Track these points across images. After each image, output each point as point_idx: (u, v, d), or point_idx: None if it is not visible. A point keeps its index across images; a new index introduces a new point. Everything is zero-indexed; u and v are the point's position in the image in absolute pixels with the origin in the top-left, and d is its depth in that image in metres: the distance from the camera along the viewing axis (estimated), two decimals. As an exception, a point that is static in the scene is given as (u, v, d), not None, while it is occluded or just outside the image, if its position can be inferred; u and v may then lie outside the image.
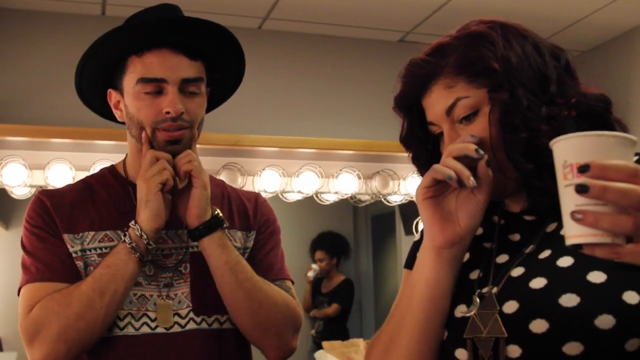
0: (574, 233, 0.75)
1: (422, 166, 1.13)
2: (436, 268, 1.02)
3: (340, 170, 3.22)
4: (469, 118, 1.01)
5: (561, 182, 0.77)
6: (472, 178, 0.95)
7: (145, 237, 1.35)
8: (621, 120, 1.04)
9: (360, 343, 3.11)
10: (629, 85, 3.30)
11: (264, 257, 1.54)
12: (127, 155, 1.54)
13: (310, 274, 3.48)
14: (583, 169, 0.72)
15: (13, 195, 2.83)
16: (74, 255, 1.39)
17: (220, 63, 1.49)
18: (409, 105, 1.09)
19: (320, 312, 3.49)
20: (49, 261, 1.37)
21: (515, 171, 0.99)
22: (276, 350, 1.47)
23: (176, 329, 1.40)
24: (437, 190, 1.01)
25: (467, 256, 1.08)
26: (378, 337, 1.11)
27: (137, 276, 1.38)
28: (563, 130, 0.96)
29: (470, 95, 1.00)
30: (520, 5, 2.97)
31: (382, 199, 3.33)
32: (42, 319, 1.30)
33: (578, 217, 0.73)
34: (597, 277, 0.90)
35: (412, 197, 3.31)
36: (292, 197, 3.20)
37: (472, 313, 1.00)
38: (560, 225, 0.98)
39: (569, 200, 0.75)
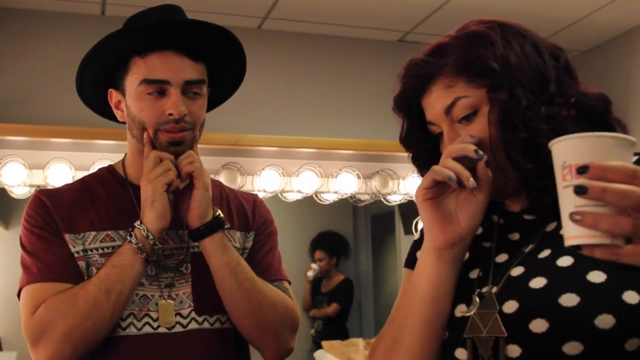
0: (573, 234, 0.75)
1: (422, 166, 1.13)
2: (437, 269, 1.02)
3: (340, 170, 3.22)
4: (468, 118, 1.01)
5: (560, 183, 0.77)
6: (471, 179, 0.96)
7: (151, 237, 1.36)
8: (621, 119, 1.04)
9: (360, 343, 3.11)
10: (629, 85, 3.30)
11: (262, 258, 1.55)
12: (126, 155, 1.54)
13: (310, 274, 3.49)
14: (582, 170, 0.72)
15: (13, 195, 2.83)
16: (75, 255, 1.39)
17: (221, 64, 1.49)
18: (409, 105, 1.09)
19: (319, 311, 3.49)
20: (50, 261, 1.37)
21: (514, 171, 0.99)
22: (274, 350, 1.48)
23: (178, 329, 1.41)
24: (437, 191, 1.01)
25: (466, 255, 1.08)
26: (380, 339, 1.11)
27: (142, 276, 1.38)
28: (562, 129, 0.96)
29: (470, 95, 1.00)
30: (520, 5, 2.97)
31: (382, 199, 3.33)
32: (48, 319, 1.30)
33: (577, 218, 0.73)
34: (597, 276, 0.90)
35: (411, 197, 3.31)
36: (292, 197, 3.20)
37: (471, 313, 1.00)
38: (559, 225, 0.97)
39: (568, 201, 0.75)
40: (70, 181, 1.57)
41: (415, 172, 1.15)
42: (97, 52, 1.40)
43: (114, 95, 1.47)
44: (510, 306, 0.96)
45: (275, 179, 3.11)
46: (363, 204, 3.37)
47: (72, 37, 2.98)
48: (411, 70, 1.06)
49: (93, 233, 1.41)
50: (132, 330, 1.38)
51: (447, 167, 0.97)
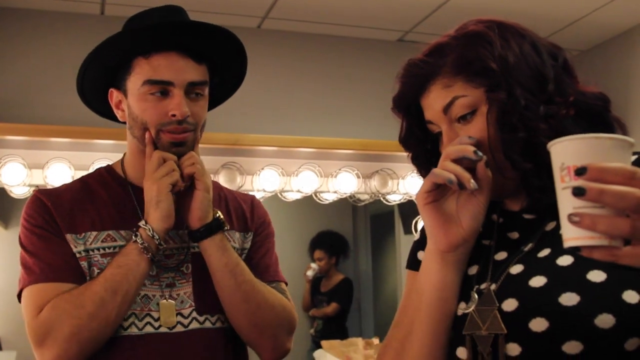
0: (571, 235, 0.75)
1: (422, 166, 1.13)
2: (442, 271, 1.02)
3: (340, 169, 3.22)
4: (466, 117, 1.01)
5: (559, 185, 0.77)
6: (472, 180, 0.96)
7: (157, 237, 1.36)
8: (620, 118, 1.04)
9: (359, 342, 3.11)
10: (629, 84, 3.30)
11: (260, 259, 1.56)
12: (124, 155, 1.54)
13: (310, 273, 3.49)
14: (580, 171, 0.72)
15: (12, 195, 2.83)
16: (77, 255, 1.39)
17: (222, 65, 1.49)
18: (408, 105, 1.09)
19: (319, 311, 3.49)
20: (52, 261, 1.37)
21: (513, 171, 0.99)
22: (271, 351, 1.49)
23: (179, 328, 1.41)
24: (438, 194, 1.01)
25: None
26: (388, 344, 1.11)
27: (147, 276, 1.38)
28: (561, 128, 0.96)
29: (468, 95, 1.00)
30: (519, 5, 2.97)
31: (381, 198, 3.33)
32: (54, 319, 1.30)
33: (575, 219, 0.73)
34: (597, 276, 0.90)
35: (411, 197, 3.31)
36: (291, 197, 3.20)
37: (470, 309, 1.00)
38: (559, 225, 0.98)
39: (566, 203, 0.75)
40: (69, 181, 1.57)
41: (415, 171, 1.15)
42: (100, 52, 1.41)
43: (114, 95, 1.47)
44: (510, 304, 0.96)
45: (274, 178, 3.11)
46: (362, 203, 3.37)
47: (71, 36, 2.98)
48: (410, 70, 1.06)
49: (94, 233, 1.42)
50: (134, 330, 1.38)
51: (446, 170, 0.97)
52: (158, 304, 1.41)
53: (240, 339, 1.49)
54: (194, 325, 1.42)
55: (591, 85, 1.05)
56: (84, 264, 1.39)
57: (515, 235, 1.07)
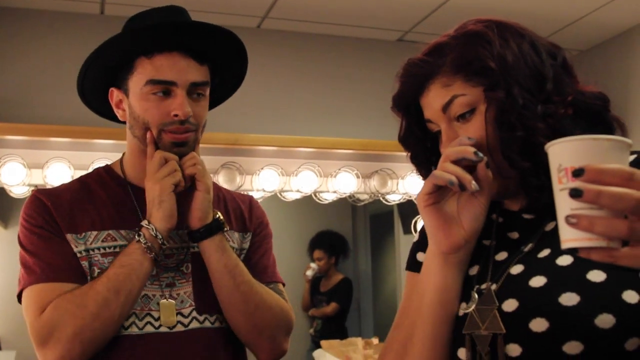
0: (569, 237, 0.75)
1: (421, 165, 1.13)
2: (444, 273, 1.02)
3: (339, 169, 3.22)
4: (465, 116, 1.01)
5: (556, 186, 0.77)
6: (473, 182, 0.95)
7: (160, 237, 1.36)
8: (619, 118, 1.04)
9: (359, 342, 3.11)
10: (628, 84, 3.30)
11: (258, 260, 1.56)
12: (124, 155, 1.54)
13: (309, 273, 3.48)
14: (577, 173, 0.72)
15: (12, 194, 2.83)
16: (78, 255, 1.39)
17: (223, 65, 1.50)
18: (407, 104, 1.09)
19: (318, 311, 3.49)
20: (53, 261, 1.37)
21: (512, 170, 0.99)
22: (269, 352, 1.49)
23: (179, 328, 1.41)
24: (438, 195, 1.01)
25: None
26: (389, 346, 1.11)
27: (149, 275, 1.38)
28: (560, 128, 0.96)
29: (467, 94, 1.00)
30: (519, 4, 2.97)
31: (381, 198, 3.33)
32: (57, 319, 1.30)
33: (572, 221, 0.73)
34: (596, 276, 0.90)
35: (410, 197, 3.31)
36: (291, 196, 3.20)
37: (470, 309, 1.00)
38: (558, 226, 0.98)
39: (564, 204, 0.75)
40: (69, 180, 1.57)
41: (414, 171, 1.15)
42: (102, 51, 1.41)
43: (115, 94, 1.47)
44: (510, 305, 0.96)
45: (274, 178, 3.11)
46: (362, 203, 3.37)
47: (71, 36, 2.98)
48: (409, 69, 1.06)
49: (94, 233, 1.42)
50: (134, 330, 1.38)
51: (447, 171, 0.96)
52: (158, 303, 1.41)
53: (239, 339, 1.49)
54: (194, 324, 1.43)
55: (591, 85, 1.05)
56: (84, 263, 1.39)
57: (515, 235, 1.07)
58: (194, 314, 1.43)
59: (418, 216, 3.19)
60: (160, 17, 1.43)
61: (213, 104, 1.55)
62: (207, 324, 1.44)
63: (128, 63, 1.41)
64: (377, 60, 3.37)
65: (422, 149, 1.12)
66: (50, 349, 1.30)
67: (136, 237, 1.37)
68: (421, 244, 1.16)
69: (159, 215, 1.37)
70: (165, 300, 1.42)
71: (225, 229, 1.45)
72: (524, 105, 0.97)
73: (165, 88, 1.38)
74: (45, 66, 2.95)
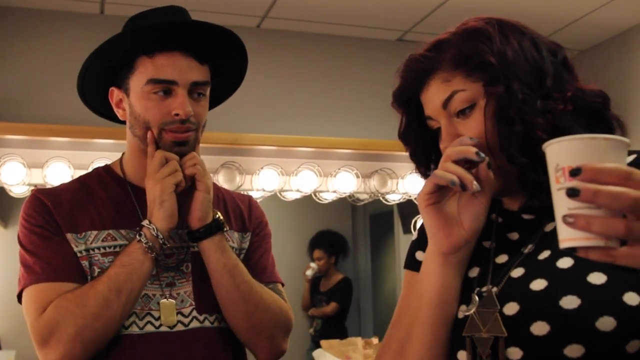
0: (566, 236, 0.75)
1: (420, 161, 1.13)
2: (443, 273, 1.02)
3: (339, 169, 3.22)
4: (465, 112, 1.01)
5: (554, 186, 0.77)
6: (475, 182, 0.95)
7: (161, 236, 1.37)
8: (619, 117, 1.04)
9: (359, 342, 3.11)
10: (627, 84, 3.30)
11: (257, 260, 1.56)
12: (123, 154, 1.54)
13: (309, 273, 3.48)
14: (575, 172, 0.72)
15: (11, 194, 2.83)
16: (78, 254, 1.39)
17: (223, 65, 1.50)
18: (408, 100, 1.09)
19: (318, 310, 3.49)
20: (53, 261, 1.37)
21: (510, 165, 0.99)
22: (267, 352, 1.50)
23: (180, 327, 1.41)
24: (439, 195, 1.01)
25: None
26: (387, 345, 1.11)
27: (150, 275, 1.39)
28: (559, 124, 0.96)
29: (467, 89, 1.00)
30: (518, 4, 2.97)
31: (381, 198, 3.33)
32: (58, 319, 1.30)
33: (570, 220, 0.73)
34: (597, 278, 0.90)
35: (410, 196, 3.31)
36: (291, 196, 3.20)
37: (471, 311, 1.00)
38: (557, 226, 0.98)
39: (561, 204, 0.75)
40: (68, 180, 1.57)
41: (414, 168, 1.15)
42: (103, 50, 1.41)
43: (115, 94, 1.47)
44: (511, 308, 0.96)
45: (274, 178, 3.11)
46: (362, 203, 3.37)
47: (71, 36, 2.98)
48: (410, 65, 1.07)
49: (95, 232, 1.42)
50: (135, 330, 1.38)
51: (448, 171, 0.96)
52: (158, 303, 1.41)
53: (239, 339, 1.49)
54: (194, 324, 1.43)
55: (591, 84, 1.04)
56: (84, 263, 1.39)
57: (515, 236, 1.06)
58: (194, 313, 1.44)
59: (418, 216, 3.19)
60: (161, 17, 1.43)
61: (213, 104, 1.55)
62: (207, 323, 1.44)
63: (129, 62, 1.42)
64: (376, 60, 3.37)
65: (422, 145, 1.12)
66: (51, 348, 1.30)
67: (137, 236, 1.37)
68: (420, 242, 1.16)
69: (160, 215, 1.37)
70: (165, 299, 1.42)
71: (225, 229, 1.45)
72: (523, 100, 0.97)
73: (166, 87, 1.39)
74: (45, 66, 2.95)
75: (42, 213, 1.41)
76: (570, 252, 0.77)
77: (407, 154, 1.15)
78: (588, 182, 0.71)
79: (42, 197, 1.43)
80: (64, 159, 2.82)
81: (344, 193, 3.24)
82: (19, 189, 2.82)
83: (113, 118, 1.52)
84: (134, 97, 1.42)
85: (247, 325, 1.45)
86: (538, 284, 0.94)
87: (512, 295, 0.97)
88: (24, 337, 1.37)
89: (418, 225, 1.22)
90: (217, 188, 1.62)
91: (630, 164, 0.89)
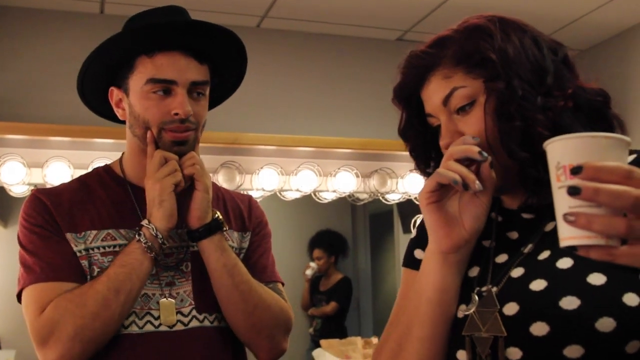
0: (567, 235, 0.75)
1: (420, 158, 1.13)
2: (443, 273, 1.02)
3: (339, 168, 3.22)
4: (465, 109, 1.01)
5: (555, 184, 0.77)
6: (477, 182, 0.95)
7: (160, 236, 1.37)
8: (619, 116, 1.04)
9: (358, 341, 3.11)
10: (627, 84, 3.30)
11: (257, 260, 1.57)
12: (123, 154, 1.54)
13: (309, 272, 3.48)
14: (576, 170, 0.72)
15: (11, 193, 2.83)
16: (77, 254, 1.40)
17: (222, 65, 1.50)
18: (408, 96, 1.10)
19: (318, 310, 3.50)
20: (53, 260, 1.37)
21: (512, 163, 0.99)
22: (267, 351, 1.50)
23: (179, 327, 1.41)
24: (441, 194, 1.00)
25: None
26: (385, 344, 1.11)
27: (149, 275, 1.39)
28: (559, 121, 0.96)
29: (467, 85, 1.00)
30: (518, 4, 2.97)
31: (380, 198, 3.33)
32: (57, 319, 1.30)
33: (570, 219, 0.73)
34: (597, 279, 0.90)
35: (410, 196, 3.31)
36: (291, 196, 3.20)
37: (471, 311, 1.00)
38: (557, 225, 0.98)
39: (562, 202, 0.75)
40: (69, 180, 1.58)
41: (413, 165, 1.15)
42: (103, 50, 1.41)
43: (115, 94, 1.47)
44: (511, 308, 0.96)
45: (273, 177, 3.11)
46: (362, 202, 3.37)
47: (70, 35, 2.98)
48: (411, 61, 1.07)
49: (94, 232, 1.42)
50: (134, 329, 1.38)
51: (451, 170, 0.96)
52: (158, 302, 1.41)
53: (239, 338, 1.49)
54: (194, 323, 1.43)
55: (592, 82, 1.04)
56: (84, 262, 1.39)
57: (514, 235, 1.06)
58: (194, 312, 1.44)
59: (417, 215, 3.19)
60: (161, 17, 1.43)
61: (213, 104, 1.55)
62: (206, 323, 1.44)
63: (128, 62, 1.42)
64: (376, 59, 3.37)
65: (422, 142, 1.12)
66: (50, 348, 1.30)
67: (136, 236, 1.37)
68: (419, 240, 1.16)
69: (159, 214, 1.38)
70: (165, 299, 1.42)
71: (224, 228, 1.45)
72: (524, 97, 0.97)
73: (165, 87, 1.39)
74: (45, 65, 2.95)
75: (42, 213, 1.41)
76: (570, 252, 0.77)
77: (407, 153, 1.15)
78: (589, 181, 0.71)
79: (41, 197, 1.43)
80: (64, 158, 2.82)
81: (344, 193, 3.24)
82: (19, 189, 2.82)
83: (113, 118, 1.53)
84: (133, 97, 1.42)
85: (247, 324, 1.45)
86: (538, 284, 0.94)
87: (512, 295, 0.97)
88: (24, 336, 1.37)
89: (417, 225, 1.22)
90: (217, 188, 1.63)
91: (631, 164, 0.89)
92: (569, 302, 0.89)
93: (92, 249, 1.40)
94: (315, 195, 3.23)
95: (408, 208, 3.35)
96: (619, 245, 0.73)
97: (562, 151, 0.76)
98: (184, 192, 1.42)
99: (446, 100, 1.02)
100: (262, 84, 3.18)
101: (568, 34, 3.31)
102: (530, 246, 1.02)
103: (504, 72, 0.98)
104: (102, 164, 1.58)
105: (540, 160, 0.89)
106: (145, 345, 1.38)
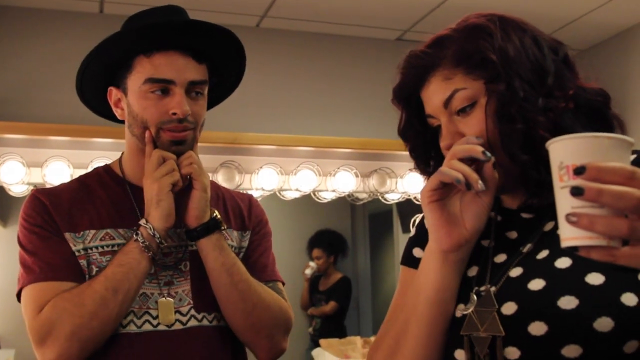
0: (569, 235, 0.75)
1: (419, 158, 1.13)
2: (442, 272, 1.02)
3: (338, 168, 3.22)
4: (465, 110, 1.01)
5: (557, 184, 0.77)
6: (480, 182, 0.95)
7: (158, 236, 1.37)
8: (619, 116, 1.04)
9: (358, 341, 3.11)
10: (626, 84, 3.30)
11: (257, 259, 1.56)
12: (122, 154, 1.54)
13: (308, 272, 3.48)
14: (579, 170, 0.72)
15: (10, 193, 2.83)
16: (76, 254, 1.40)
17: (221, 64, 1.50)
18: (408, 96, 1.09)
19: (317, 309, 3.50)
20: (52, 260, 1.38)
21: (513, 165, 0.98)
22: (267, 351, 1.50)
23: (177, 326, 1.41)
24: (443, 192, 1.00)
25: None
26: (381, 341, 1.11)
27: (147, 274, 1.39)
28: (560, 122, 0.96)
29: (468, 87, 1.00)
30: (517, 4, 2.97)
31: (380, 197, 3.33)
32: (55, 318, 1.30)
33: (573, 219, 0.72)
34: (595, 278, 0.90)
35: (409, 195, 3.31)
36: (290, 195, 3.20)
37: (469, 310, 1.00)
38: (557, 225, 0.97)
39: (564, 202, 0.75)
40: (68, 179, 1.58)
41: (413, 165, 1.15)
42: (101, 50, 1.41)
43: (113, 93, 1.47)
44: (509, 308, 0.95)
45: (273, 177, 3.11)
46: (361, 202, 3.37)
47: (70, 35, 2.98)
48: (410, 61, 1.06)
49: (93, 231, 1.42)
50: (132, 328, 1.38)
51: (454, 169, 0.96)
52: (156, 302, 1.41)
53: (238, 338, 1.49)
54: (192, 323, 1.43)
55: (592, 82, 1.04)
56: (83, 262, 1.39)
57: (513, 234, 1.06)
58: (192, 312, 1.44)
59: (417, 215, 3.19)
60: (159, 17, 1.43)
61: (212, 103, 1.55)
62: (205, 322, 1.44)
63: (127, 62, 1.42)
64: (376, 59, 3.37)
65: (422, 142, 1.11)
66: (48, 347, 1.31)
67: (134, 236, 1.37)
68: (418, 239, 1.16)
69: (156, 214, 1.38)
70: (163, 298, 1.42)
71: (223, 227, 1.45)
72: (525, 98, 0.96)
73: (163, 87, 1.39)
74: (44, 65, 2.95)
75: (41, 213, 1.41)
76: (568, 251, 0.77)
77: (406, 153, 1.14)
78: (592, 181, 0.71)
79: (41, 197, 1.43)
80: (64, 158, 2.82)
81: (343, 192, 3.24)
82: (18, 188, 2.82)
83: (112, 117, 1.53)
84: (132, 97, 1.42)
85: (246, 323, 1.45)
86: (536, 284, 0.94)
87: (510, 294, 0.97)
88: (24, 336, 1.37)
89: (417, 223, 1.21)
90: (217, 187, 1.63)
91: (632, 164, 0.89)
92: (567, 302, 0.89)
93: (91, 249, 1.40)
94: (314, 194, 3.23)
95: (407, 208, 3.35)
96: (620, 246, 0.73)
97: (565, 151, 0.76)
98: (183, 191, 1.42)
99: (447, 103, 1.01)
100: (262, 83, 3.18)
101: (567, 33, 3.31)
102: (529, 246, 1.02)
103: (504, 73, 0.97)
104: (101, 164, 1.58)
105: (542, 162, 0.89)
106: (143, 344, 1.38)
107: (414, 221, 3.27)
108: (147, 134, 1.41)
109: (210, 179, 1.50)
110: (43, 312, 1.32)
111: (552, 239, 0.98)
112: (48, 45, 2.98)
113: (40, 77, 2.94)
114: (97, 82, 1.47)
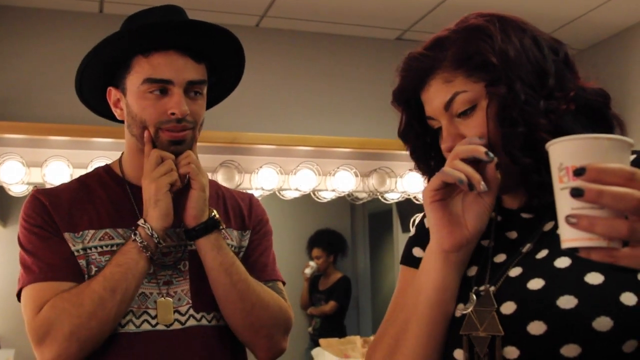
0: (569, 237, 0.75)
1: (420, 159, 1.13)
2: (443, 272, 1.02)
3: (338, 167, 3.22)
4: (466, 112, 1.00)
5: (557, 185, 0.77)
6: (483, 182, 0.95)
7: (156, 236, 1.37)
8: (619, 116, 1.03)
9: (357, 340, 3.11)
10: (626, 84, 3.30)
11: (257, 258, 1.56)
12: (122, 154, 1.54)
13: (308, 272, 3.49)
14: (579, 172, 0.72)
15: (10, 193, 2.83)
16: (75, 254, 1.40)
17: (220, 64, 1.50)
18: (407, 99, 1.09)
19: (317, 309, 3.50)
20: (51, 260, 1.38)
21: (513, 166, 0.98)
22: (266, 351, 1.50)
23: (176, 326, 1.41)
24: (445, 192, 1.00)
25: None
26: (380, 340, 1.11)
27: (146, 274, 1.39)
28: (561, 124, 0.96)
29: (469, 90, 1.00)
30: (516, 4, 2.96)
31: (380, 197, 3.33)
32: (53, 318, 1.31)
33: (573, 221, 0.73)
34: (594, 278, 0.90)
35: (409, 195, 3.31)
36: (290, 195, 3.20)
37: (469, 310, 1.00)
38: (557, 225, 0.97)
39: (564, 204, 0.75)
40: (68, 179, 1.58)
41: (414, 166, 1.15)
42: (100, 50, 1.41)
43: (113, 93, 1.47)
44: (508, 307, 0.96)
45: (273, 177, 3.11)
46: (361, 202, 3.37)
47: (70, 35, 2.98)
48: (410, 63, 1.06)
49: (92, 231, 1.42)
50: (131, 328, 1.39)
51: (457, 169, 0.96)
52: (155, 301, 1.41)
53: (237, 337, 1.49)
54: (191, 322, 1.43)
55: (592, 81, 1.04)
56: (82, 262, 1.39)
57: (513, 234, 1.06)
58: (191, 311, 1.44)
59: (417, 215, 3.19)
60: (158, 16, 1.43)
61: (211, 103, 1.55)
62: (204, 321, 1.44)
63: (125, 62, 1.42)
64: (375, 58, 3.37)
65: (422, 143, 1.11)
66: (47, 347, 1.31)
67: (132, 236, 1.37)
68: (417, 239, 1.16)
69: (155, 214, 1.38)
70: (162, 298, 1.42)
71: (221, 227, 1.45)
72: (526, 101, 0.96)
73: (162, 86, 1.39)
74: (44, 65, 2.95)
75: (41, 213, 1.41)
76: (568, 251, 0.77)
77: (406, 153, 1.14)
78: (591, 182, 0.71)
79: (41, 197, 1.44)
80: (63, 158, 2.82)
81: (343, 192, 3.24)
82: (18, 188, 2.82)
83: (112, 117, 1.53)
84: (130, 97, 1.42)
85: (245, 323, 1.45)
86: (535, 284, 0.94)
87: (510, 294, 0.97)
88: (23, 336, 1.37)
89: (416, 223, 1.21)
90: (217, 186, 1.63)
91: (632, 164, 0.89)
92: (567, 301, 0.89)
93: (90, 249, 1.41)
94: (314, 194, 3.23)
95: (407, 207, 3.35)
96: (620, 247, 0.73)
97: (564, 152, 0.76)
98: (181, 191, 1.42)
99: (448, 105, 1.01)
100: (261, 83, 3.18)
101: (567, 33, 3.31)
102: (528, 246, 1.01)
103: (505, 76, 0.97)
104: (101, 164, 1.59)
105: (543, 164, 0.89)
106: (142, 344, 1.38)
107: (414, 221, 3.27)
108: (146, 134, 1.41)
109: (210, 178, 1.50)
110: (42, 312, 1.32)
111: (551, 239, 0.98)
112: (48, 45, 2.98)
113: (41, 77, 2.94)
114: (96, 82, 1.47)
